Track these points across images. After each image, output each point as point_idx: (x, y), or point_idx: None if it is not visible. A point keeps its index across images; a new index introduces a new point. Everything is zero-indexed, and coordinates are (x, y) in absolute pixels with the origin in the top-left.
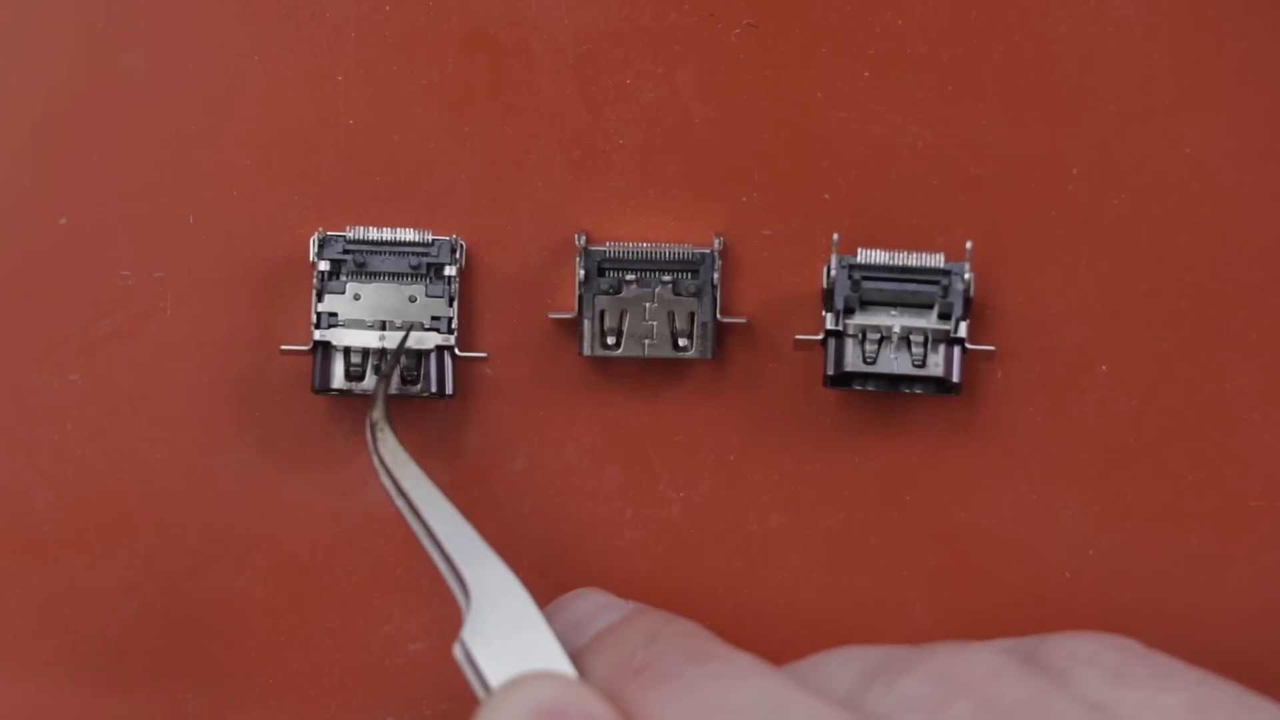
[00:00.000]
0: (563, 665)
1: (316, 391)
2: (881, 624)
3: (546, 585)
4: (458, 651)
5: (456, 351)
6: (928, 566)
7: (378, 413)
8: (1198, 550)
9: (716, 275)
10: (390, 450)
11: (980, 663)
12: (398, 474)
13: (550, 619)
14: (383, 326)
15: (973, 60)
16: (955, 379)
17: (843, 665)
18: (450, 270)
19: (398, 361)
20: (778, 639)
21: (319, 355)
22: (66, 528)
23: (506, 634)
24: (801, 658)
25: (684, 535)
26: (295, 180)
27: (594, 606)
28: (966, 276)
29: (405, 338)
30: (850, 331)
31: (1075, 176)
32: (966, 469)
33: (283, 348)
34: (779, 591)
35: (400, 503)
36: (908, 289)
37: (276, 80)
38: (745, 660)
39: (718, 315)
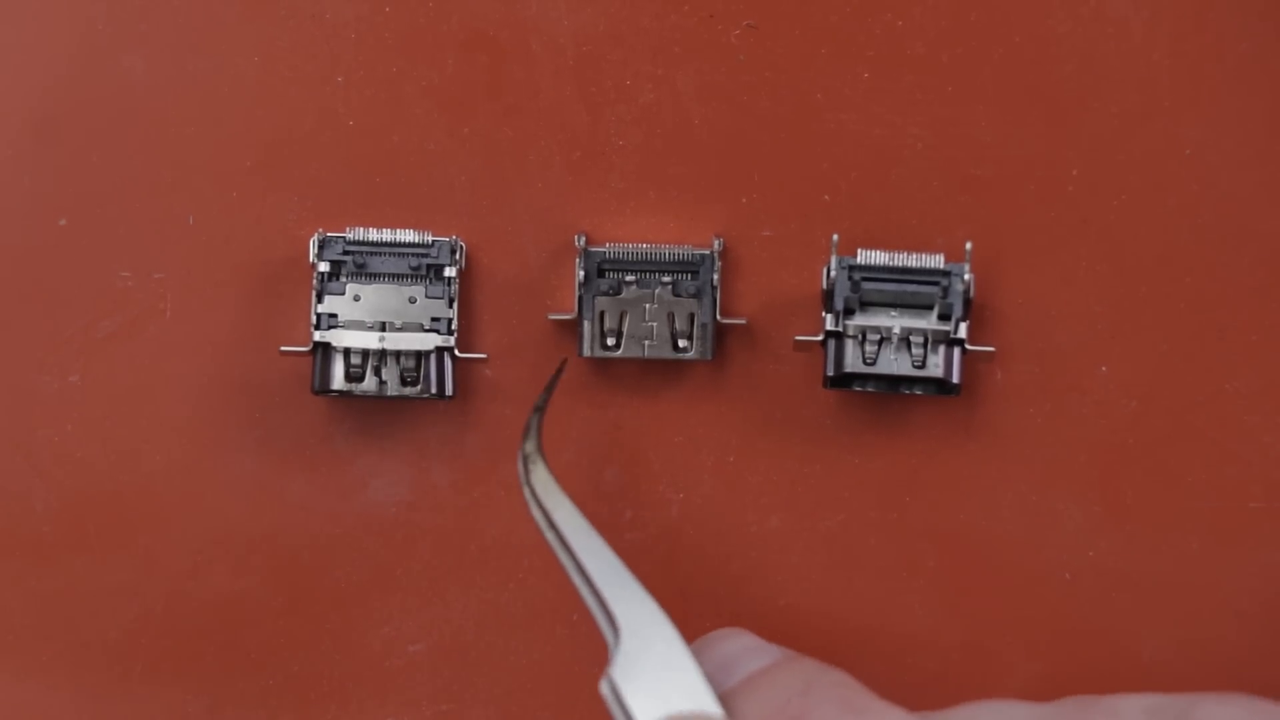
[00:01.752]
0: (711, 707)
1: (316, 392)
2: (881, 625)
3: (546, 587)
4: (605, 689)
5: (456, 353)
6: (927, 567)
7: (531, 445)
8: (1198, 551)
9: (716, 276)
10: (542, 483)
11: None
12: (549, 506)
13: (696, 657)
14: (382, 328)
15: (973, 61)
16: (955, 380)
17: None
18: (450, 271)
19: (550, 393)
20: (777, 640)
21: (319, 356)
22: (66, 528)
23: (656, 673)
24: (804, 654)
25: (684, 536)
26: (295, 181)
27: (742, 648)
28: (966, 277)
29: (560, 371)
30: (850, 332)
31: (1075, 177)
32: (966, 470)
33: (282, 349)
34: (779, 592)
35: (550, 535)
36: (907, 290)
37: (276, 81)
38: (899, 716)
39: (717, 316)
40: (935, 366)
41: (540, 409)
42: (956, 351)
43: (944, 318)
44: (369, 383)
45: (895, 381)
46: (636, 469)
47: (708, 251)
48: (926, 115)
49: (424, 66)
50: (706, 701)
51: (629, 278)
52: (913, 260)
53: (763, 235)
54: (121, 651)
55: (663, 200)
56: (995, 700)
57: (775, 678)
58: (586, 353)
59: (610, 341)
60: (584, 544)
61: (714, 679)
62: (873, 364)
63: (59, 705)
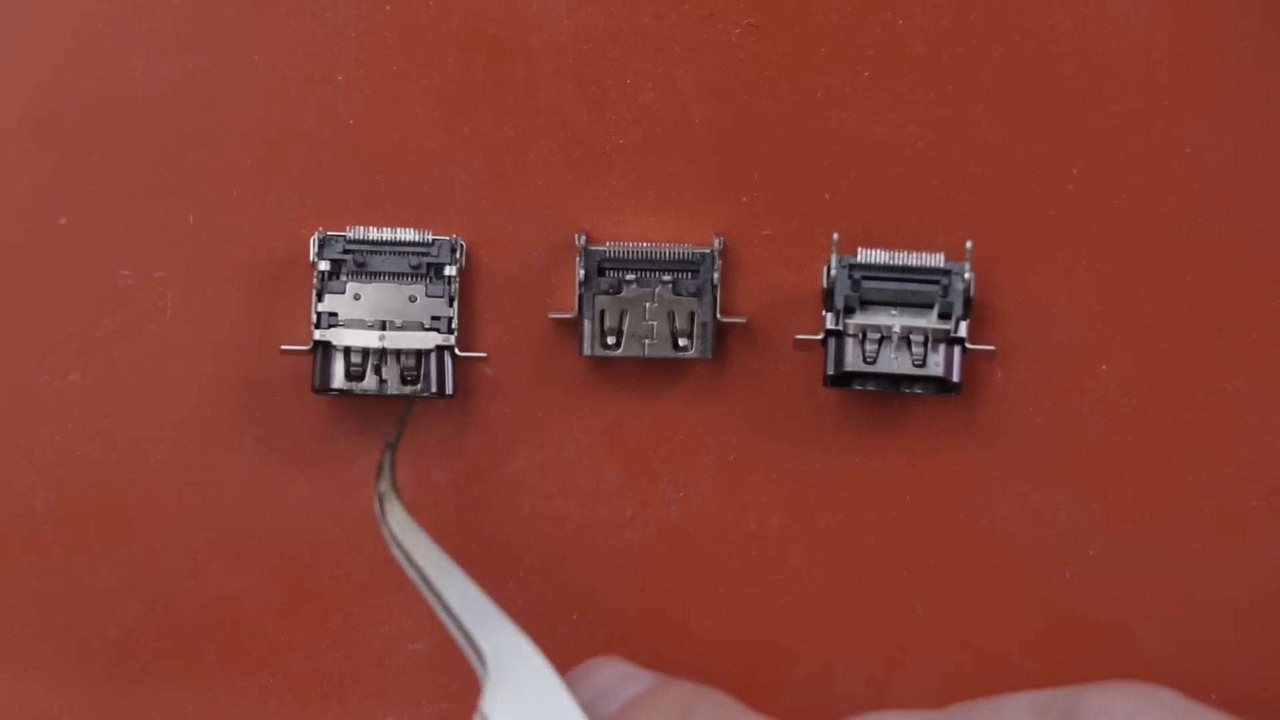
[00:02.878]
0: None
1: (316, 391)
2: (881, 624)
3: (547, 586)
4: None
5: (456, 351)
6: (928, 566)
7: (385, 484)
8: (1198, 550)
9: (716, 275)
10: (399, 521)
11: None
12: (408, 544)
13: (571, 688)
14: (383, 326)
15: (973, 60)
16: (955, 379)
17: None
18: (450, 270)
19: (402, 428)
20: (777, 639)
21: (319, 355)
22: (66, 528)
23: (527, 704)
24: (801, 658)
25: (684, 535)
26: (295, 180)
27: (616, 676)
28: (967, 276)
29: (408, 409)
30: (850, 331)
31: (1075, 176)
32: (966, 469)
33: (283, 348)
34: (779, 591)
35: (412, 573)
36: (908, 289)
37: (276, 80)
38: None
39: (718, 315)
40: (935, 365)
41: (392, 446)
42: (957, 350)
43: (944, 316)
44: (369, 381)
45: (895, 380)
46: (637, 468)
47: (708, 250)
48: (927, 114)
49: (424, 65)
50: None
51: (629, 276)
52: (913, 259)
53: (763, 234)
54: (122, 650)
55: (663, 199)
56: (884, 711)
57: (654, 702)
58: (587, 351)
59: (610, 340)
60: (445, 579)
61: (591, 708)
62: (873, 363)
63: (59, 704)
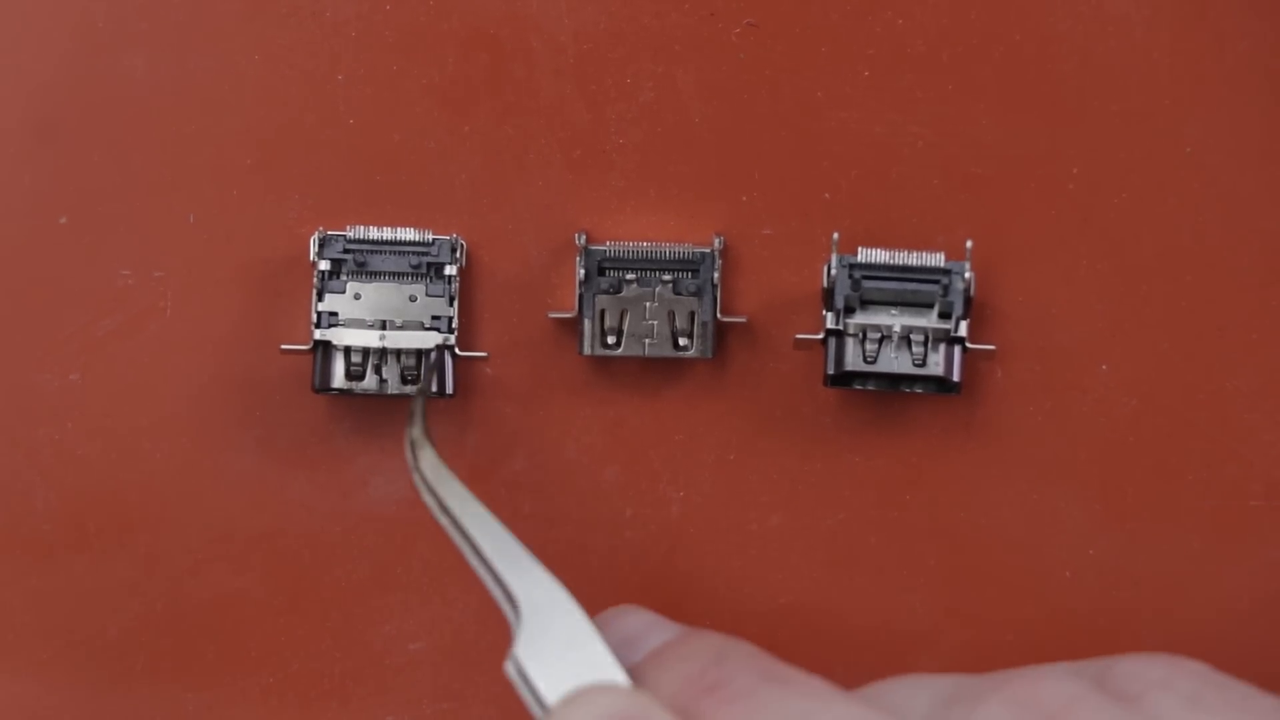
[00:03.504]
0: (620, 680)
1: (317, 391)
2: (882, 623)
3: None
4: (510, 669)
5: (457, 351)
6: (928, 566)
7: (417, 430)
8: (1198, 550)
9: (717, 274)
10: (431, 466)
11: (1059, 691)
12: (440, 491)
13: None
14: (383, 326)
15: (973, 60)
16: (955, 378)
17: (913, 693)
18: (451, 270)
19: (432, 376)
20: (778, 639)
21: (319, 355)
22: (67, 526)
23: (560, 649)
24: (802, 658)
25: (684, 535)
26: (295, 180)
27: (644, 624)
28: (967, 276)
29: (440, 357)
30: (851, 331)
31: (1075, 176)
32: (966, 469)
33: (283, 347)
34: (779, 591)
35: (444, 519)
36: (908, 288)
37: (276, 80)
38: (821, 684)
39: (718, 315)
40: (936, 365)
41: (423, 392)
42: (957, 350)
43: (944, 316)
44: (369, 381)
45: (896, 380)
46: (637, 467)
47: (708, 250)
48: (927, 113)
49: (424, 65)
50: (614, 674)
51: (629, 276)
52: (913, 258)
53: (763, 233)
54: (122, 650)
55: (663, 198)
56: (917, 674)
57: (686, 649)
58: (587, 351)
59: (611, 340)
60: (477, 524)
61: (618, 654)
62: (873, 362)
63: (59, 704)
